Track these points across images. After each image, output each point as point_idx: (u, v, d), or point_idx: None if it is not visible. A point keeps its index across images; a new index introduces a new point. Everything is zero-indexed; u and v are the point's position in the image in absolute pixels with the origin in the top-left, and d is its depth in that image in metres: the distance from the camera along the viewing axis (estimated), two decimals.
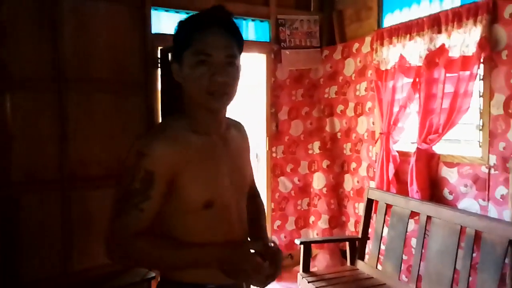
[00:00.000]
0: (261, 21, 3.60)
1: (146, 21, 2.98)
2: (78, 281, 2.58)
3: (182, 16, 3.19)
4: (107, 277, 2.62)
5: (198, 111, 1.07)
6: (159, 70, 3.06)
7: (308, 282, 2.62)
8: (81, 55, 2.79)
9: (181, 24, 1.07)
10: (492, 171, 2.34)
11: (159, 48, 3.07)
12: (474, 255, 2.16)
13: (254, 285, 1.05)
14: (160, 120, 3.05)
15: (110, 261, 1.00)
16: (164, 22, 3.18)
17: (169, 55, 2.96)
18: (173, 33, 1.09)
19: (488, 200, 2.35)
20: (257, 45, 3.57)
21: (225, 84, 1.03)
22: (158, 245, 1.00)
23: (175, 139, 1.03)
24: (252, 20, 3.58)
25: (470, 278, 2.14)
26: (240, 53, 1.09)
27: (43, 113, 2.67)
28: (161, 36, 3.09)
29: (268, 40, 3.61)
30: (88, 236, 2.81)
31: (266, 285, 1.05)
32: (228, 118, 1.19)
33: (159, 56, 3.07)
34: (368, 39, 3.26)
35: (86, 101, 2.81)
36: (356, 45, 3.42)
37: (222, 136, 1.13)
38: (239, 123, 1.27)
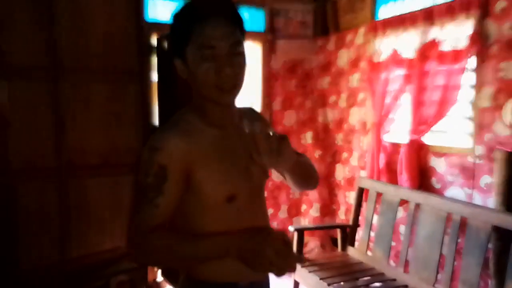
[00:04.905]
0: (256, 9, 3.61)
1: (141, 9, 2.99)
2: (76, 267, 2.63)
3: (177, 4, 3.19)
4: (105, 263, 2.67)
5: (208, 105, 1.03)
6: (155, 58, 3.08)
7: (302, 266, 2.71)
8: (77, 43, 2.79)
9: (176, 16, 1.00)
10: (478, 160, 2.44)
11: (155, 36, 3.08)
12: (459, 240, 2.26)
13: (278, 273, 0.90)
14: (156, 108, 3.08)
15: (134, 262, 0.99)
16: (160, 9, 3.19)
17: (165, 43, 2.97)
18: (170, 25, 1.03)
19: (474, 188, 2.46)
20: (252, 35, 3.59)
21: (233, 76, 0.98)
22: (174, 239, 0.96)
23: (189, 133, 1.00)
24: (248, 8, 3.59)
25: (455, 263, 2.24)
26: (243, 37, 1.02)
27: (40, 101, 2.69)
28: (157, 24, 3.10)
29: (263, 31, 3.64)
30: (86, 224, 2.86)
31: (293, 271, 0.90)
32: (238, 108, 1.14)
33: (155, 44, 3.08)
34: (361, 30, 3.31)
35: (82, 89, 2.83)
36: (350, 36, 3.46)
37: (236, 127, 1.08)
38: (249, 108, 1.22)
